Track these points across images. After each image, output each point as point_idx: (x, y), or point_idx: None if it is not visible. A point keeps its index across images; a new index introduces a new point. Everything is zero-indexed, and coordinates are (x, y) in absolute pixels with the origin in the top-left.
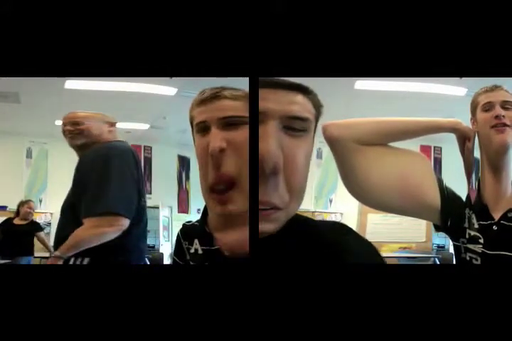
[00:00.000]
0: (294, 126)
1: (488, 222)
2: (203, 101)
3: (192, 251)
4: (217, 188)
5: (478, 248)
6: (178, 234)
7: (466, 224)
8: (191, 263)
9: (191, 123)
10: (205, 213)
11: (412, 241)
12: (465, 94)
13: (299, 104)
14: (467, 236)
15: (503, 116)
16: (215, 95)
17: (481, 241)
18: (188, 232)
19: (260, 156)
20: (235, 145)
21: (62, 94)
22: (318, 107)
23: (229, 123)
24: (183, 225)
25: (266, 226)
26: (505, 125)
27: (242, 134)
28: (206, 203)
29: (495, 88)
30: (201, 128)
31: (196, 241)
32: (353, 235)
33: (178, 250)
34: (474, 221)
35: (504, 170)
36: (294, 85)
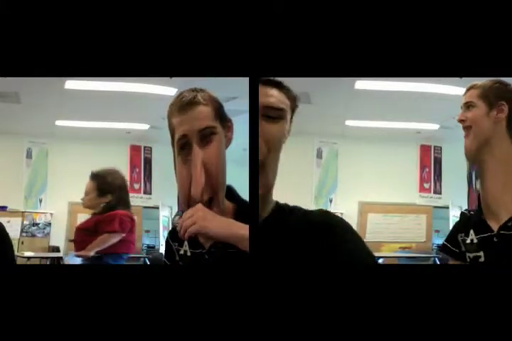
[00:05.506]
0: (270, 114)
1: (487, 234)
2: (182, 107)
3: (181, 252)
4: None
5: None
6: (166, 236)
7: (463, 248)
8: (180, 264)
9: (172, 133)
10: None
11: (412, 241)
12: None
13: (274, 97)
14: (468, 260)
15: None
16: (193, 101)
17: (481, 259)
18: (177, 233)
19: None
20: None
21: (62, 94)
22: (292, 99)
23: (205, 135)
24: (173, 227)
25: None
26: None
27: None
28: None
29: None
30: (183, 145)
31: (186, 243)
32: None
33: (168, 252)
34: (471, 238)
35: None
36: (270, 81)
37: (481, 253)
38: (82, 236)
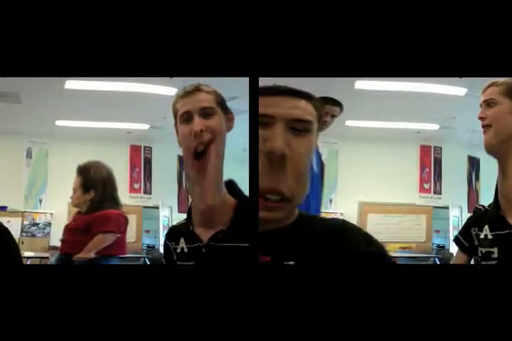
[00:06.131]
0: (297, 127)
1: (506, 231)
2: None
3: (178, 250)
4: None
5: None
6: (164, 237)
7: (476, 242)
8: (178, 263)
9: (175, 116)
10: (190, 211)
11: (412, 241)
12: (465, 94)
13: (302, 109)
14: (480, 254)
15: None
16: (197, 88)
17: (494, 255)
18: (174, 233)
19: (270, 151)
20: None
21: (62, 94)
22: (319, 110)
23: (207, 112)
24: (170, 227)
25: (274, 215)
26: None
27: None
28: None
29: None
30: (186, 118)
31: (182, 239)
32: (355, 226)
33: (166, 253)
34: (485, 233)
35: None
36: (297, 92)
37: (495, 250)
38: (73, 235)
